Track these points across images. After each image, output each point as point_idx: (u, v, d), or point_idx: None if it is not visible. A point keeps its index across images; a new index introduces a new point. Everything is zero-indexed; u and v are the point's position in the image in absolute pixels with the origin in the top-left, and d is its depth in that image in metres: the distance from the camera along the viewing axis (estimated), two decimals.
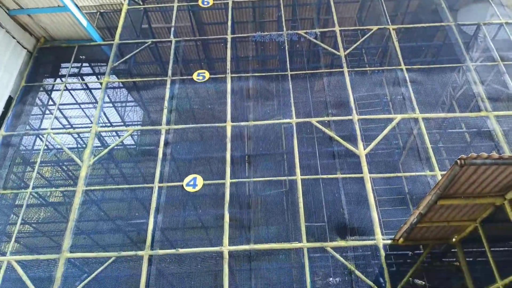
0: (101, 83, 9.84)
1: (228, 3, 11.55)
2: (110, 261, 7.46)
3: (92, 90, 11.32)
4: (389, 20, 10.98)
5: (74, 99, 11.05)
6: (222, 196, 8.41)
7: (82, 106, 11.40)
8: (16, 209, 8.63)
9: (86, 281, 7.28)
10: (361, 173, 8.49)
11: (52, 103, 10.28)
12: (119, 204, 9.50)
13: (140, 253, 7.59)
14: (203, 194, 8.63)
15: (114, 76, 10.40)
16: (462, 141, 10.72)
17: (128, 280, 7.97)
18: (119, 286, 7.94)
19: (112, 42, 10.61)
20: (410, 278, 7.72)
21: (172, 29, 11.09)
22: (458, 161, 5.14)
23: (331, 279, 8.08)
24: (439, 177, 8.34)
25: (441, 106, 11.62)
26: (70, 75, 10.19)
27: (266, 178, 8.81)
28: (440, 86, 10.75)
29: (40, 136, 9.35)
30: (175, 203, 8.52)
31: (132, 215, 9.19)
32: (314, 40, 10.85)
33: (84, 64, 10.89)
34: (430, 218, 6.71)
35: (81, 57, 10.53)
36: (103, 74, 10.20)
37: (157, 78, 10.25)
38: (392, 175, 8.73)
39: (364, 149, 8.84)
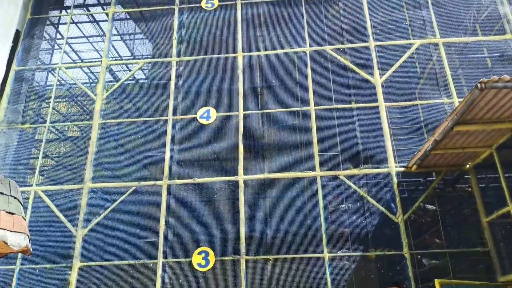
0: (107, 14, 9.52)
1: None
2: (130, 190, 7.80)
3: (100, 23, 10.99)
4: None
5: (82, 32, 10.78)
6: (235, 128, 8.45)
7: (91, 39, 11.16)
8: (37, 144, 8.88)
9: (109, 209, 7.70)
10: (376, 102, 8.35)
11: (60, 36, 10.07)
12: (135, 138, 9.66)
13: (158, 183, 7.89)
14: (217, 127, 8.69)
15: (119, 6, 10.01)
16: (483, 67, 10.28)
17: (149, 208, 8.37)
18: (141, 214, 8.38)
19: None
20: (421, 204, 7.91)
21: None
22: (479, 84, 4.96)
23: (343, 206, 8.31)
24: (457, 104, 8.15)
25: (463, 30, 10.98)
26: (75, 6, 9.84)
27: (279, 110, 8.75)
28: (464, 8, 10.06)
29: (52, 71, 9.30)
30: (189, 136, 8.63)
31: (148, 148, 9.37)
32: None
33: None
34: (445, 145, 6.68)
35: None
36: (109, 4, 9.82)
37: (164, 7, 9.83)
38: (408, 103, 8.54)
39: (380, 77, 8.60)
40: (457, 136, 6.42)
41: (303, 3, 9.54)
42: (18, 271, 7.27)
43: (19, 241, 4.00)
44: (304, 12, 9.41)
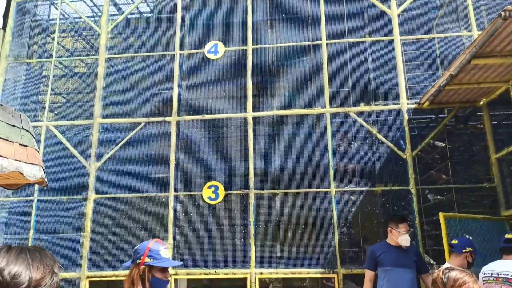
0: None
1: None
2: (140, 126, 7.86)
3: None
4: None
5: None
6: (244, 64, 8.26)
7: None
8: (44, 80, 8.83)
9: (120, 144, 7.82)
10: (391, 35, 7.99)
11: None
12: (142, 75, 9.53)
13: (167, 119, 7.91)
14: (225, 62, 8.49)
15: None
16: None
17: (159, 144, 8.49)
18: (151, 149, 8.53)
19: None
20: (431, 141, 7.87)
21: None
22: (502, 13, 4.66)
23: (352, 143, 8.32)
24: (476, 37, 7.77)
25: None
26: None
27: (289, 44, 8.45)
28: None
29: (54, 4, 8.97)
30: (197, 72, 8.48)
31: (156, 85, 9.27)
32: None
33: None
34: (460, 80, 6.47)
35: None
36: None
37: None
38: (425, 36, 8.17)
39: (397, 8, 8.14)
40: (473, 70, 6.19)
41: None
42: (36, 202, 7.62)
43: (34, 172, 4.09)
44: None
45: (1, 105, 3.90)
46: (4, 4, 8.15)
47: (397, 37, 7.95)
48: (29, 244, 7.32)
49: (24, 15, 8.31)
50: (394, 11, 8.08)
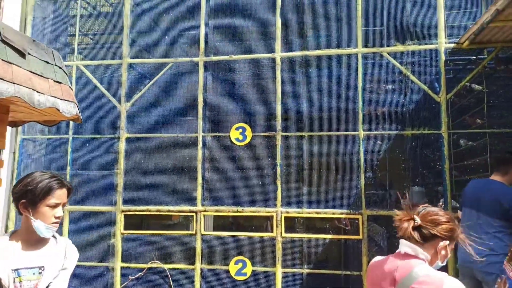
0: None
1: None
2: (168, 66, 7.83)
3: None
4: None
5: None
6: (273, 2, 7.91)
7: None
8: (72, 20, 8.79)
9: (149, 85, 7.87)
10: None
11: None
12: (168, 15, 9.31)
13: (195, 59, 7.82)
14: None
15: None
16: None
17: (187, 86, 8.49)
18: (179, 90, 8.55)
19: None
20: (468, 83, 7.52)
21: None
22: None
23: (384, 85, 8.05)
24: None
25: None
26: None
27: None
28: None
29: None
30: (224, 10, 8.19)
31: (182, 26, 9.07)
32: None
33: None
34: (507, 16, 5.99)
35: None
36: None
37: None
38: None
39: None
40: None
41: None
42: (71, 140, 7.93)
43: (69, 108, 4.18)
44: None
45: (34, 41, 3.92)
46: None
47: None
48: (67, 179, 7.75)
49: None
50: None
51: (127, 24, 7.96)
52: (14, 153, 7.91)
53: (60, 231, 7.60)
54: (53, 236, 2.83)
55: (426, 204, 2.73)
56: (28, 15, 8.14)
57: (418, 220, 2.54)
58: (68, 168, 7.88)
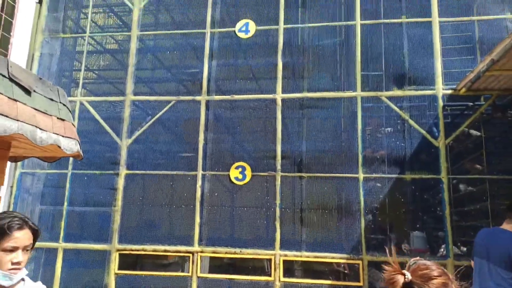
0: None
1: None
2: (170, 104, 7.93)
3: None
4: None
5: None
6: (274, 44, 8.14)
7: None
8: (78, 56, 8.99)
9: (151, 121, 7.94)
10: (430, 17, 7.66)
11: None
12: (172, 53, 9.55)
13: (197, 98, 7.94)
14: (256, 41, 8.39)
15: None
16: None
17: (188, 124, 8.56)
18: (180, 127, 8.61)
19: None
20: (466, 129, 7.60)
21: None
22: None
23: (382, 128, 8.14)
24: None
25: None
26: None
27: (321, 24, 8.24)
28: None
29: None
30: (227, 51, 8.41)
31: (186, 64, 9.28)
32: None
33: None
34: (502, 66, 6.16)
35: None
36: None
37: None
38: (465, 18, 7.79)
39: None
40: None
41: None
42: (70, 175, 7.87)
43: (71, 145, 4.19)
44: None
45: (41, 78, 3.99)
46: None
47: (435, 19, 7.63)
48: (63, 217, 7.64)
49: None
50: None
51: (132, 62, 8.14)
52: (11, 187, 7.83)
53: (52, 269, 7.39)
54: (23, 279, 2.52)
55: (418, 258, 2.65)
56: (36, 52, 8.33)
57: (409, 276, 2.45)
58: (66, 203, 7.78)
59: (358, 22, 7.83)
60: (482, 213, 7.49)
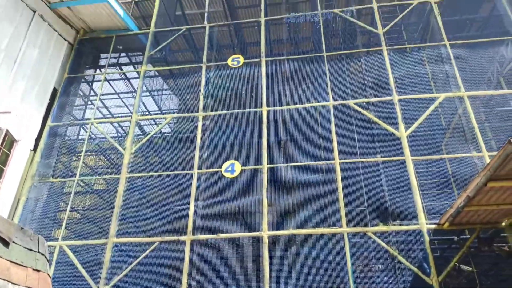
0: (138, 72, 10.03)
1: None
2: (154, 246, 7.71)
3: (130, 80, 11.57)
4: None
5: (114, 89, 11.34)
6: (259, 182, 8.42)
7: (121, 95, 11.69)
8: (64, 197, 9.05)
9: (132, 265, 7.58)
10: (403, 155, 8.22)
11: (93, 93, 10.60)
12: (159, 191, 9.73)
13: (182, 238, 7.79)
14: (241, 180, 8.67)
15: (150, 65, 10.56)
16: (510, 120, 10.08)
17: (172, 265, 8.21)
18: (163, 270, 8.21)
19: (148, 30, 10.75)
20: (456, 264, 7.46)
21: (206, 14, 11.06)
22: None
23: (372, 265, 7.94)
24: (487, 158, 7.93)
25: (487, 84, 10.96)
26: (109, 65, 10.44)
27: (303, 163, 8.70)
28: (486, 62, 10.10)
29: (84, 126, 9.69)
30: (214, 190, 8.63)
31: (172, 202, 9.40)
32: (351, 19, 10.47)
33: (121, 54, 11.12)
34: (478, 201, 6.40)
35: (118, 47, 10.74)
36: (140, 63, 10.37)
37: (193, 65, 10.30)
38: (435, 157, 8.36)
39: (405, 131, 8.53)
40: (491, 192, 6.16)
41: (325, 60, 9.80)
42: None
43: None
44: (326, 68, 9.64)
45: (22, 228, 3.99)
46: (38, 127, 8.84)
47: (408, 157, 8.16)
48: None
49: (55, 137, 8.94)
50: (403, 133, 8.45)
51: (119, 204, 8.15)
52: None
53: None
54: None
55: None
56: (22, 196, 8.38)
57: None
58: None
59: (337, 161, 8.31)
60: None
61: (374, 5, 10.34)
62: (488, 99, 9.46)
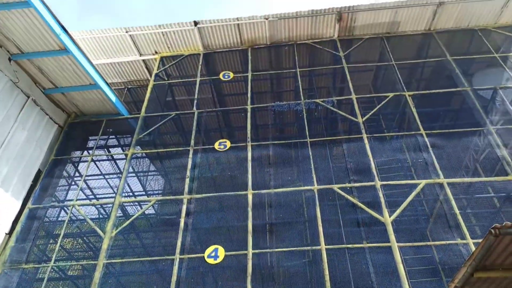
0: (126, 155, 10.14)
1: (247, 76, 12.13)
2: None
3: (117, 161, 11.64)
4: (404, 87, 11.23)
5: (100, 170, 11.34)
6: (244, 268, 8.13)
7: (107, 176, 11.65)
8: (36, 283, 8.51)
9: None
10: (388, 241, 8.16)
11: (78, 174, 10.55)
12: (139, 277, 9.27)
13: None
14: (225, 266, 8.37)
15: (138, 147, 10.73)
16: (491, 206, 10.29)
17: None
18: None
19: (138, 115, 11.11)
20: None
21: (195, 101, 11.59)
22: (493, 230, 4.89)
23: None
24: (471, 245, 7.92)
25: (465, 170, 11.38)
26: (97, 147, 10.56)
27: (289, 249, 8.53)
28: (462, 150, 10.61)
29: (65, 208, 9.48)
30: (196, 277, 8.27)
31: None
32: (332, 108, 11.10)
33: (110, 136, 11.32)
34: None
35: (108, 130, 10.98)
36: (128, 145, 10.54)
37: (180, 148, 10.52)
38: (421, 243, 8.33)
39: (390, 216, 8.58)
40: (478, 282, 6.06)
41: (309, 145, 10.16)
42: None
43: None
44: (310, 153, 9.95)
45: None
46: (17, 210, 8.59)
47: (394, 243, 8.10)
48: None
49: (33, 220, 8.66)
50: (387, 219, 8.49)
51: None
52: None
53: None
54: None
55: None
56: None
57: None
58: None
59: (323, 246, 8.18)
60: None
61: (353, 96, 11.07)
62: (467, 186, 9.74)
